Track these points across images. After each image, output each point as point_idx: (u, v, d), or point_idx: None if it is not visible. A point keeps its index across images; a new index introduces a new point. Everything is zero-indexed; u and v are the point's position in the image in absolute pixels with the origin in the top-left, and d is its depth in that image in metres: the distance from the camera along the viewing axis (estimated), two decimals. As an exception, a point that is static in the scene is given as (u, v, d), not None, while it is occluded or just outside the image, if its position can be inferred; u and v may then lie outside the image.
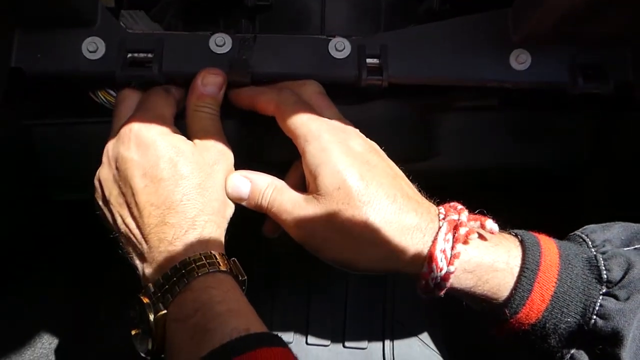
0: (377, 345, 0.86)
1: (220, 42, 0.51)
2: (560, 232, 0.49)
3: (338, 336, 0.85)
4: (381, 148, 0.49)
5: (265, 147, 0.55)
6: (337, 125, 0.47)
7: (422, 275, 0.43)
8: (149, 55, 0.50)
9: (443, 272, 0.42)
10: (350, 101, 0.56)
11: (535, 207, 0.75)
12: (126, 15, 0.56)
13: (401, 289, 0.92)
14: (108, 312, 1.00)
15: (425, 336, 0.91)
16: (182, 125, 0.50)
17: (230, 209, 0.49)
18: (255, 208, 0.49)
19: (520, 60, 0.52)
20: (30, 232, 0.71)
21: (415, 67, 0.52)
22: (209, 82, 0.50)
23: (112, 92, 0.53)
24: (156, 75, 0.49)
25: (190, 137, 0.49)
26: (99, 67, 0.50)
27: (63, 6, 0.47)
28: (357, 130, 0.48)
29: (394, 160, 0.50)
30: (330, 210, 0.44)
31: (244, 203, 0.49)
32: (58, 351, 0.88)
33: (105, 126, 0.54)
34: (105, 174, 0.48)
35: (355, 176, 0.44)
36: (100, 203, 0.49)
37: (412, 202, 0.45)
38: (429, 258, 0.43)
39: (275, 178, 0.49)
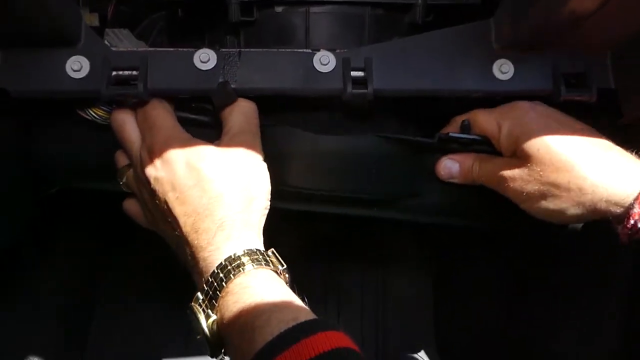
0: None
1: (205, 58, 0.51)
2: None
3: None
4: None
5: (289, 172, 0.56)
6: None
7: (633, 215, 0.47)
8: (134, 72, 0.50)
9: None
10: (340, 132, 0.56)
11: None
12: (110, 33, 0.56)
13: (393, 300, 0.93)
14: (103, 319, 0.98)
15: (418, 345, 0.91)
16: (199, 132, 0.51)
17: (261, 203, 0.49)
18: (466, 181, 0.56)
19: (503, 70, 0.53)
20: (29, 229, 0.70)
21: (399, 79, 0.52)
22: None
23: (104, 107, 0.53)
24: (141, 93, 0.49)
25: (224, 133, 0.51)
26: (83, 86, 0.50)
27: (47, 26, 0.47)
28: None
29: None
30: None
31: (455, 180, 0.56)
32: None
33: None
34: (146, 198, 0.50)
35: None
36: (154, 227, 0.52)
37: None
38: None
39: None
